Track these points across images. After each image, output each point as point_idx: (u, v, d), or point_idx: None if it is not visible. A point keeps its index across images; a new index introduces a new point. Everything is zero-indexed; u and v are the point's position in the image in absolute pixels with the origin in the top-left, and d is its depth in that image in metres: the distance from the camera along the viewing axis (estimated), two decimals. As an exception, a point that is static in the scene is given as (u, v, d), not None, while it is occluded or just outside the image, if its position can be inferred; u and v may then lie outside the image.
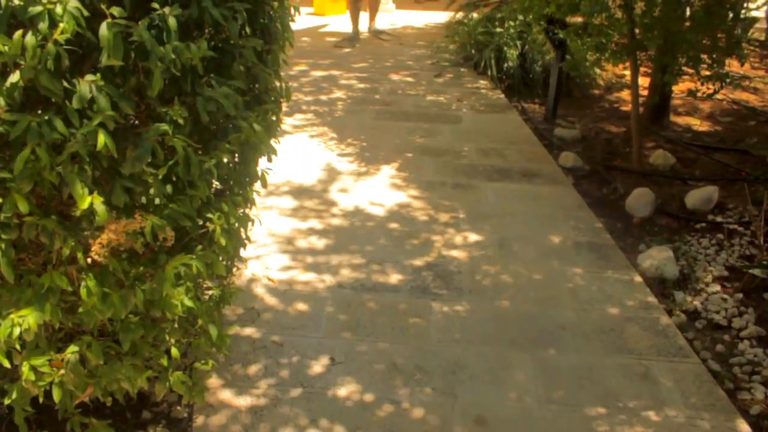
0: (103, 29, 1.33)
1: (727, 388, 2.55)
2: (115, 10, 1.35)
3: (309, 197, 4.02)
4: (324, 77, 6.99)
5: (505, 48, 6.69)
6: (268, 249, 3.39)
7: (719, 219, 3.93)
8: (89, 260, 1.54)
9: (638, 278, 3.24)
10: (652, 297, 3.09)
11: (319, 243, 3.47)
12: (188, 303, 1.70)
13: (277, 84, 2.16)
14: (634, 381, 2.53)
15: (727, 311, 3.04)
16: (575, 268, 3.32)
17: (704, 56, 4.26)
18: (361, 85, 6.68)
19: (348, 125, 5.41)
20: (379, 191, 4.14)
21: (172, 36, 1.44)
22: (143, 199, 1.57)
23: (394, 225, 3.70)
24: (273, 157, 2.14)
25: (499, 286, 3.14)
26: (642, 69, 5.69)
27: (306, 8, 10.03)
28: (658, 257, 3.35)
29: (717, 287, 3.24)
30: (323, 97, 6.26)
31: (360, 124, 5.46)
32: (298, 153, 4.72)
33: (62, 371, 1.65)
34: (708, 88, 4.37)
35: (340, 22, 9.95)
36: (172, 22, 1.42)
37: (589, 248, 3.51)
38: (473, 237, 3.59)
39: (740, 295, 3.15)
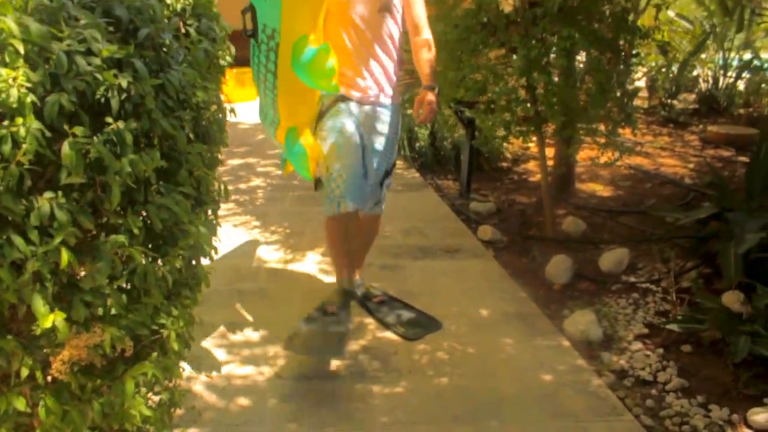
0: (66, 149, 1.36)
1: (662, 442, 2.69)
2: (78, 130, 1.39)
3: (239, 289, 4.00)
4: (241, 165, 7.05)
5: (416, 128, 6.98)
6: (203, 344, 3.34)
7: (632, 279, 4.18)
8: (48, 378, 1.51)
9: (566, 342, 3.39)
10: (581, 360, 3.24)
11: (254, 335, 3.45)
12: (146, 412, 1.67)
13: (216, 185, 2.20)
14: (577, 444, 2.63)
15: (652, 366, 3.22)
16: (506, 338, 3.43)
17: (601, 127, 4.64)
18: (279, 172, 6.76)
19: (270, 213, 5.46)
20: (308, 277, 4.17)
21: (127, 150, 1.48)
22: (100, 311, 1.56)
23: (327, 310, 3.72)
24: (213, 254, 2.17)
25: (436, 363, 3.20)
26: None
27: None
28: (582, 321, 3.52)
29: (639, 345, 3.43)
30: (242, 186, 6.29)
31: (282, 212, 5.51)
32: (224, 244, 4.70)
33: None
34: (608, 157, 4.74)
35: (248, 110, 10.05)
36: (128, 137, 1.46)
37: (517, 318, 3.65)
38: (406, 316, 3.65)
39: (661, 350, 3.34)
